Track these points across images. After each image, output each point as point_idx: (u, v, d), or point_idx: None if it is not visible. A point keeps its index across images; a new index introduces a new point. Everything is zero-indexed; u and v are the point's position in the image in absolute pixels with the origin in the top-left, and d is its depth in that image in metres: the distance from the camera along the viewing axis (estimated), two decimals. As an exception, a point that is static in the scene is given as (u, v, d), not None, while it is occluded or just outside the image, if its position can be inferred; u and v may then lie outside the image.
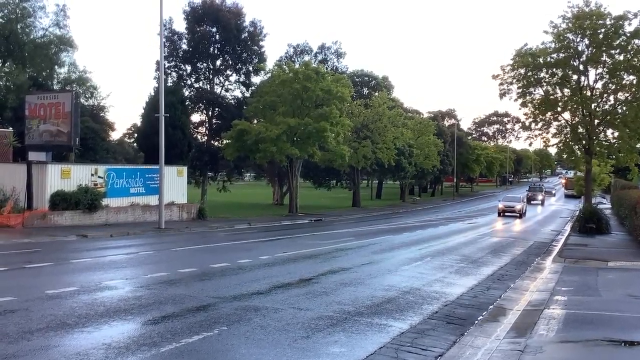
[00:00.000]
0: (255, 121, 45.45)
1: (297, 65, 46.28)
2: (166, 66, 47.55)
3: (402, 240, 26.36)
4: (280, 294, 12.13)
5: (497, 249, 23.88)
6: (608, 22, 32.50)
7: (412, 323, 10.06)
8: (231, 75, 51.35)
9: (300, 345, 8.37)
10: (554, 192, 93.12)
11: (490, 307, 11.91)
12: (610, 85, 33.51)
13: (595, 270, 17.56)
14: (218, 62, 50.36)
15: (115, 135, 65.27)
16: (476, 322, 10.47)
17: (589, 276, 16.28)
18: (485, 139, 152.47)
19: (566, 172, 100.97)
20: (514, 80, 35.31)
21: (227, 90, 52.20)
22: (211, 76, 50.79)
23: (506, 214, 46.68)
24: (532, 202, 63.79)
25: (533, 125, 36.09)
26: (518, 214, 46.42)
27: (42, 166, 26.97)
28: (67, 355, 7.48)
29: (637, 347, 8.87)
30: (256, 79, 50.41)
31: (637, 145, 34.91)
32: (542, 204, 66.45)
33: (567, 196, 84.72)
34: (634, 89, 32.78)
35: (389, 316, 10.53)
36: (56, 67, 45.03)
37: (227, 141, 45.07)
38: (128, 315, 9.76)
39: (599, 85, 33.85)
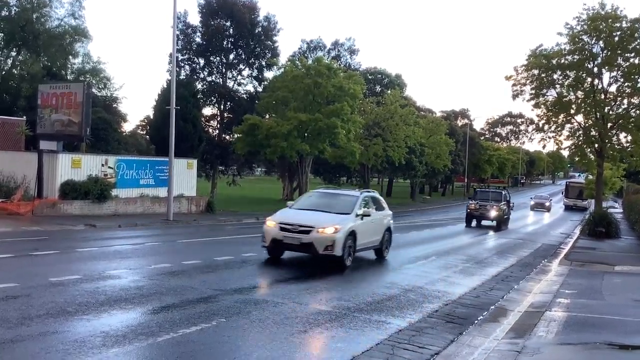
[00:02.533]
0: (267, 116, 45.52)
1: (309, 61, 46.30)
2: (179, 59, 47.82)
3: (409, 238, 26.29)
4: (281, 288, 12.17)
5: (503, 250, 23.77)
6: (624, 25, 32.19)
7: (411, 321, 10.05)
8: (244, 69, 51.57)
9: (297, 339, 8.39)
10: (547, 203, 61.00)
11: (492, 307, 11.86)
12: (624, 88, 33.21)
13: (601, 274, 17.45)
14: (231, 56, 50.54)
15: (128, 127, 65.87)
16: (476, 322, 10.43)
17: (594, 280, 16.18)
18: (499, 139, 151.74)
19: (579, 175, 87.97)
20: (527, 82, 35.06)
21: (239, 85, 52.44)
22: (224, 70, 50.98)
23: (294, 250, 15.50)
24: (480, 221, 35.93)
25: (546, 127, 35.89)
26: (324, 252, 14.58)
27: (53, 155, 27.16)
28: (65, 342, 7.54)
29: (635, 351, 8.80)
30: (269, 74, 50.63)
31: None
32: (500, 226, 34.95)
33: (567, 208, 64.07)
34: (648, 93, 32.48)
35: (389, 313, 10.52)
36: (70, 57, 45.47)
37: (238, 135, 45.21)
38: (128, 305, 9.83)
39: (613, 88, 33.56)
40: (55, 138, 28.22)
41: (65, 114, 28.08)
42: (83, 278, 11.82)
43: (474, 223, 36.01)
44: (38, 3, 42.98)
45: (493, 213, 35.08)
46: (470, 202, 37.50)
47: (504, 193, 38.79)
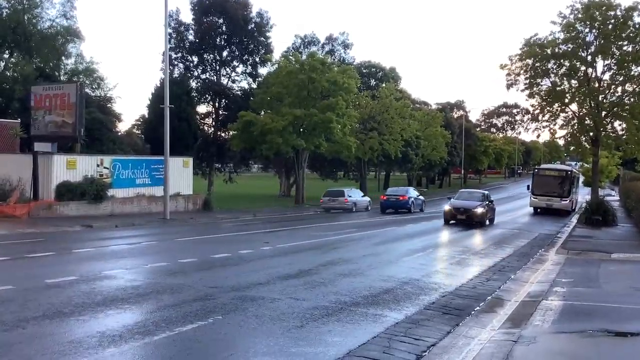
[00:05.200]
0: (262, 112, 45.44)
1: (303, 57, 46.23)
2: (173, 57, 47.67)
3: (406, 231, 26.32)
4: (278, 284, 12.15)
5: (500, 240, 23.78)
6: (618, 13, 32.21)
7: (407, 313, 10.05)
8: (238, 66, 51.44)
9: (294, 335, 8.39)
10: (479, 209, 29.14)
11: (488, 298, 11.87)
12: (618, 76, 33.28)
13: (598, 262, 17.47)
14: (225, 53, 50.39)
15: (123, 127, 65.54)
16: (472, 312, 10.45)
17: (591, 268, 16.21)
18: (494, 130, 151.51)
19: (576, 164, 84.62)
20: (522, 71, 35.10)
21: (233, 82, 52.33)
22: (218, 67, 50.84)
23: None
24: None
25: (540, 116, 35.95)
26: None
27: (48, 157, 27.12)
28: (61, 343, 7.54)
29: (631, 338, 8.83)
30: (263, 70, 50.52)
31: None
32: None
33: (537, 211, 39.17)
34: (642, 81, 32.55)
35: (385, 306, 10.52)
36: (63, 58, 45.23)
37: (234, 132, 45.17)
38: (125, 305, 9.82)
39: (607, 76, 33.65)
40: (50, 139, 28.20)
41: (59, 115, 28.05)
42: (79, 279, 11.80)
43: None
44: (29, 4, 42.74)
45: None
46: None
47: None
